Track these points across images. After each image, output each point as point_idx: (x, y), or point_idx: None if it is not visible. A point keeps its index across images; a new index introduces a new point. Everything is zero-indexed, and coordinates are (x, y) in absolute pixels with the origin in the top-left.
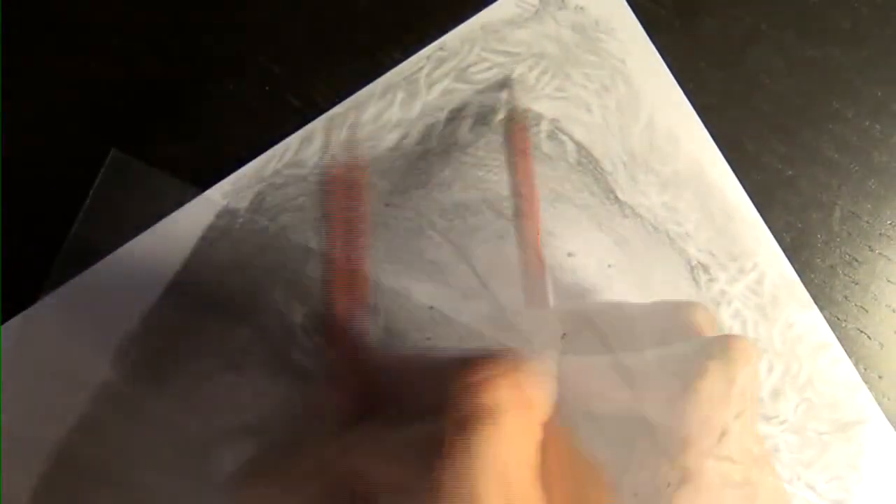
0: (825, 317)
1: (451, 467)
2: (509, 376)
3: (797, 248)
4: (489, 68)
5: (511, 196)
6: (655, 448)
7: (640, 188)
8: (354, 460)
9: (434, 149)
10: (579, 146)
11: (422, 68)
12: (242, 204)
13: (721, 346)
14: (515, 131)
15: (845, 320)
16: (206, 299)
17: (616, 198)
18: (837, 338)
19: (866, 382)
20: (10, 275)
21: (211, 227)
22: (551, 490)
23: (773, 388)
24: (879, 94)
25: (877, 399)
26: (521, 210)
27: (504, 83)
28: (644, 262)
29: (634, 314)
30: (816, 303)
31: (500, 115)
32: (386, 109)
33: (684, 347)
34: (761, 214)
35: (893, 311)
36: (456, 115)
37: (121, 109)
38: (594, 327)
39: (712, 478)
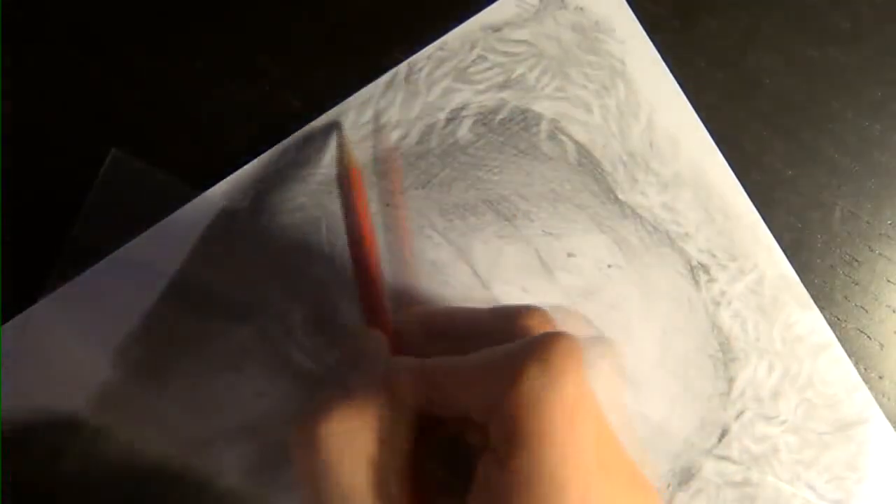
0: (825, 317)
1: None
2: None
3: (797, 248)
4: (489, 68)
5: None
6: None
7: (640, 188)
8: (430, 383)
9: (434, 149)
10: (579, 146)
11: (422, 68)
12: (242, 204)
13: (541, 347)
14: (350, 174)
15: (845, 320)
16: (206, 299)
17: (616, 198)
18: (837, 338)
19: (866, 382)
20: (10, 275)
21: (211, 227)
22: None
23: (773, 388)
24: (879, 94)
25: (877, 399)
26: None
27: (504, 83)
28: (644, 262)
29: (469, 318)
30: (816, 303)
31: (501, 115)
32: (386, 109)
33: (506, 348)
34: (761, 214)
35: (893, 311)
36: (456, 115)
37: (121, 109)
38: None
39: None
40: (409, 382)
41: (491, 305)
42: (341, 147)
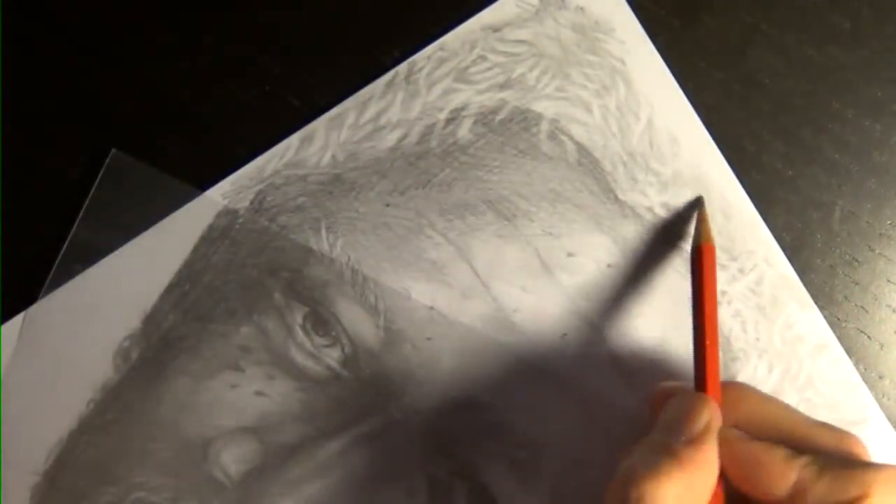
0: (825, 317)
1: None
2: None
3: (797, 248)
4: (489, 68)
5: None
6: None
7: (640, 188)
8: (759, 463)
9: (434, 149)
10: (579, 146)
11: (422, 68)
12: (242, 204)
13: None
14: (706, 249)
15: (845, 320)
16: (206, 299)
17: (616, 198)
18: (837, 338)
19: (866, 382)
20: (10, 275)
21: (211, 227)
22: None
23: (773, 388)
24: (879, 94)
25: (877, 399)
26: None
27: (504, 83)
28: (644, 262)
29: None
30: (816, 303)
31: (501, 115)
32: (386, 109)
33: (858, 461)
34: (761, 214)
35: (893, 311)
36: (456, 115)
37: (121, 109)
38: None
39: None
40: (738, 457)
41: (493, 305)
42: (701, 222)
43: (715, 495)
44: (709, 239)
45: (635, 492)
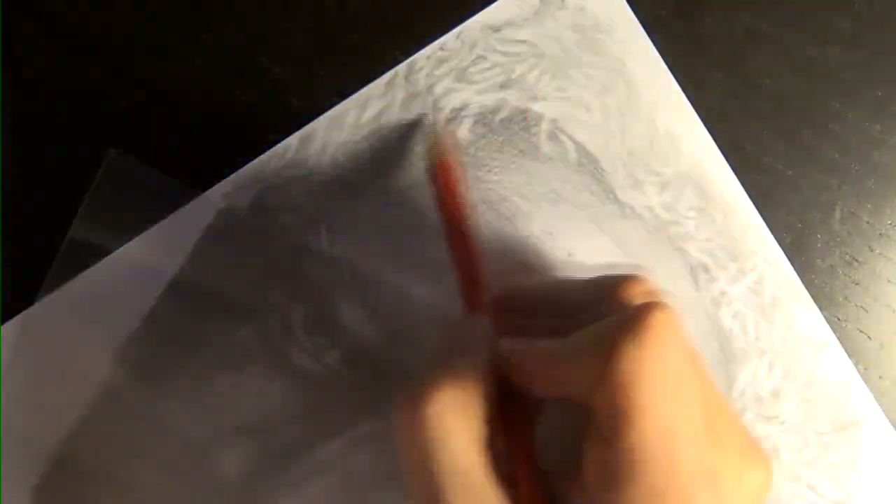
0: (825, 317)
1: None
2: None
3: (797, 248)
4: (489, 68)
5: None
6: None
7: (640, 188)
8: (534, 365)
9: None
10: (579, 146)
11: (422, 68)
12: (242, 204)
13: (635, 320)
14: (439, 167)
15: (845, 320)
16: (206, 299)
17: (616, 198)
18: (837, 338)
19: (866, 382)
20: (10, 275)
21: (211, 227)
22: None
23: (773, 389)
24: (879, 94)
25: (877, 399)
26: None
27: (504, 83)
28: (644, 263)
29: (563, 292)
30: (816, 303)
31: (501, 115)
32: (386, 109)
33: (599, 326)
34: (761, 214)
35: (893, 311)
36: (456, 115)
37: (121, 109)
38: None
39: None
40: (515, 364)
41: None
42: (431, 136)
43: (499, 405)
44: (443, 151)
45: (412, 413)
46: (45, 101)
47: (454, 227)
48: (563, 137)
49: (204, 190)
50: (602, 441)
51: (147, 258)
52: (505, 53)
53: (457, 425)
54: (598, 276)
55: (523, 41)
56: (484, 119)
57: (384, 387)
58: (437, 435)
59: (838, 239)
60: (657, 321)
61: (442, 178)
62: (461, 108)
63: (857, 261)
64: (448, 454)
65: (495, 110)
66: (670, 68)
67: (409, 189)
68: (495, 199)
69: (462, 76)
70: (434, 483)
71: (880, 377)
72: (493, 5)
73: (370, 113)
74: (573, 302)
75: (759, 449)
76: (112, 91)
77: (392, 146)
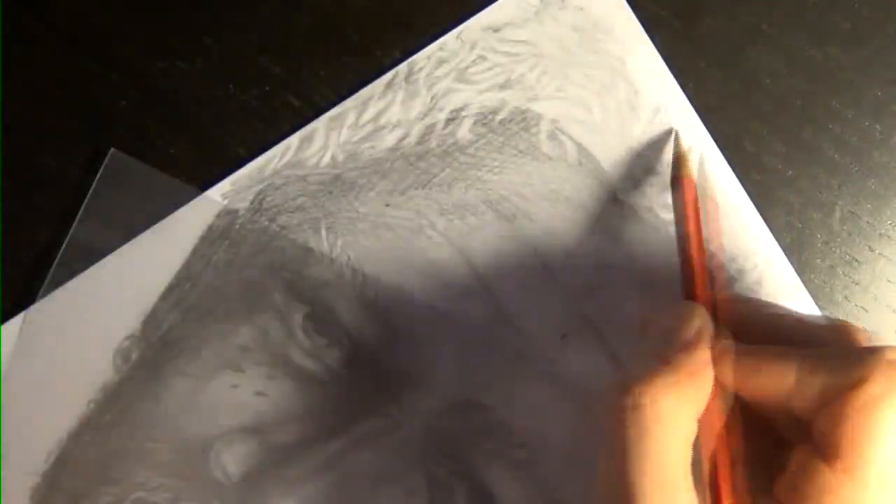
0: (825, 317)
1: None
2: None
3: (797, 248)
4: (489, 68)
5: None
6: None
7: (640, 188)
8: (755, 368)
9: (434, 149)
10: (579, 146)
11: (422, 68)
12: (242, 204)
13: (891, 354)
14: (684, 185)
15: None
16: (206, 299)
17: (616, 198)
18: None
19: None
20: (10, 275)
21: (211, 227)
22: None
23: None
24: (879, 94)
25: None
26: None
27: (504, 83)
28: (644, 263)
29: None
30: (816, 303)
31: (501, 115)
32: (386, 109)
33: (852, 349)
34: (761, 214)
35: (893, 311)
36: (456, 115)
37: (120, 109)
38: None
39: None
40: (735, 365)
41: (493, 305)
42: (679, 153)
43: (710, 407)
44: (688, 172)
45: (630, 399)
46: (45, 101)
47: (689, 226)
48: (563, 137)
49: (204, 190)
50: (818, 457)
51: (147, 258)
52: (505, 53)
53: (673, 421)
54: (834, 319)
55: (523, 41)
56: (484, 119)
57: (384, 387)
58: (648, 425)
59: (838, 239)
60: None
61: (685, 189)
62: (461, 108)
63: (857, 261)
64: (652, 446)
65: (495, 110)
66: (670, 68)
67: (409, 189)
68: (495, 199)
69: (462, 76)
70: (633, 474)
71: None
72: (493, 5)
73: (370, 113)
74: (808, 336)
75: None
76: (112, 91)
77: (392, 146)
